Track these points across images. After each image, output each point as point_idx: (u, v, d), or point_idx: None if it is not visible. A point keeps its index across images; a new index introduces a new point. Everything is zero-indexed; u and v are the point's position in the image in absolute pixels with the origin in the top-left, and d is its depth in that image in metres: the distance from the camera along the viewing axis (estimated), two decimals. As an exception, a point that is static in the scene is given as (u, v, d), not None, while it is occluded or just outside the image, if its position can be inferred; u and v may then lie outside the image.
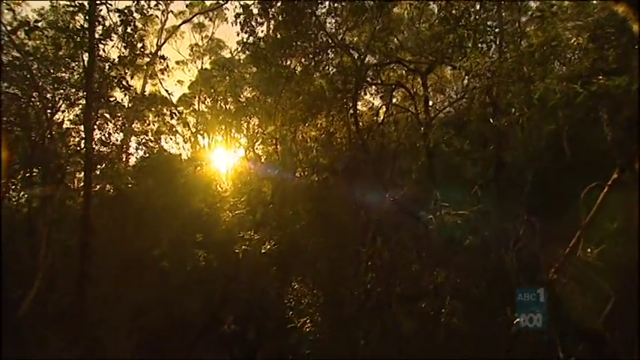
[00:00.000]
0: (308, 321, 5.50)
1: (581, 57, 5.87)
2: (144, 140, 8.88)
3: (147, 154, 9.07)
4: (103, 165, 8.66)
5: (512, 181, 6.53)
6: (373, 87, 9.27)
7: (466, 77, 8.71)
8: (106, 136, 8.12)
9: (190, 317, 7.96)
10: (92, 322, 6.73)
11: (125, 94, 7.84)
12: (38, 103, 7.88)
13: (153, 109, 9.24)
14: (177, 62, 13.36)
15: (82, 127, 8.04)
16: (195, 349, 8.18)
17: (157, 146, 9.46)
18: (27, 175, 8.28)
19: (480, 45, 6.62)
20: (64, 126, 8.60)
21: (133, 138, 9.38)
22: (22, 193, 8.45)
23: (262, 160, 8.89)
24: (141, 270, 7.87)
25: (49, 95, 8.09)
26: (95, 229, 7.23)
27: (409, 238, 5.18)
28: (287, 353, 7.40)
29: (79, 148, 8.04)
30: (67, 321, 6.43)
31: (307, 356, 6.73)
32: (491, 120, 6.00)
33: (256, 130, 9.46)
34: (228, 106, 10.45)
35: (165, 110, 9.47)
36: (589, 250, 3.77)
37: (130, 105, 8.29)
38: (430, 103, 8.89)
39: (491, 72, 6.50)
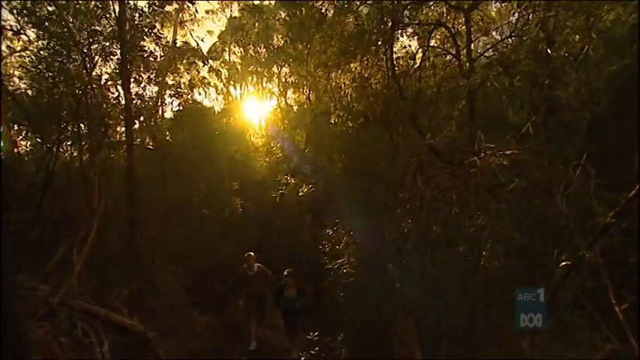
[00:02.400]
0: (344, 262, 5.68)
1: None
2: (179, 91, 8.99)
3: (181, 107, 9.27)
4: (141, 118, 8.96)
5: (565, 124, 6.00)
6: (410, 28, 8.63)
7: (517, 12, 7.85)
8: (142, 88, 8.29)
9: (230, 261, 8.49)
10: (144, 263, 7.33)
11: (157, 44, 7.84)
12: (77, 58, 8.05)
13: (184, 60, 9.24)
14: (207, 12, 13.03)
15: (119, 82, 8.21)
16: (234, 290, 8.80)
17: (190, 98, 9.57)
18: (74, 129, 8.69)
19: (537, -30, 5.82)
20: (102, 80, 8.86)
21: (167, 92, 9.54)
22: (73, 146, 8.97)
23: (295, 109, 8.78)
24: (183, 216, 8.38)
25: (85, 49, 8.24)
26: (139, 178, 7.65)
27: (450, 182, 5.01)
28: (323, 296, 7.79)
29: (117, 102, 8.29)
30: (123, 261, 7.06)
31: (341, 299, 7.06)
32: (545, 55, 5.37)
33: (288, 79, 9.26)
34: (259, 53, 10.21)
35: (196, 61, 9.45)
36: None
37: (162, 56, 8.31)
38: (472, 46, 8.20)
39: (549, 3, 5.76)
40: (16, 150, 9.26)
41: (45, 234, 7.02)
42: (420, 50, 8.22)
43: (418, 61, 7.85)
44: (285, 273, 6.33)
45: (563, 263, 3.66)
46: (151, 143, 9.12)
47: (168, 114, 10.25)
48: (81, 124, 8.47)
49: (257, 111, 11.40)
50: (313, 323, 6.69)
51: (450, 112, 6.77)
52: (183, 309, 7.42)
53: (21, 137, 9.10)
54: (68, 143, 8.73)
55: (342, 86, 7.51)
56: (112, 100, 8.46)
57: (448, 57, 7.97)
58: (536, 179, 4.47)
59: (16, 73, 9.28)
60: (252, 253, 6.86)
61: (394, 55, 7.48)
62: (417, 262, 4.93)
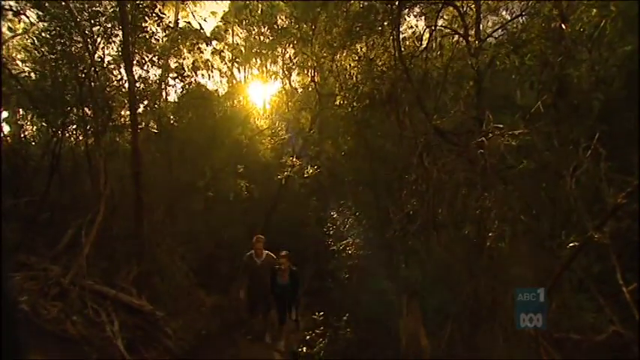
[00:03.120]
0: (349, 244, 5.71)
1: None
2: (183, 74, 8.88)
3: (185, 90, 9.19)
4: (145, 102, 8.90)
5: (575, 106, 5.86)
6: (417, 8, 8.39)
7: (529, -11, 7.56)
8: (145, 71, 8.20)
9: (236, 243, 8.58)
10: (150, 245, 7.42)
11: (159, 25, 7.70)
12: (79, 40, 7.94)
13: (187, 42, 9.10)
14: (209, -8, 12.67)
15: (122, 64, 8.10)
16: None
17: (194, 81, 9.48)
18: (79, 113, 8.66)
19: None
20: (105, 63, 8.77)
21: (171, 74, 9.44)
22: (78, 130, 8.96)
23: (299, 91, 8.67)
24: (188, 199, 8.44)
25: (86, 31, 8.11)
26: (144, 161, 7.67)
27: (457, 163, 4.95)
28: (326, 278, 7.89)
29: (120, 85, 8.22)
30: (130, 242, 7.16)
31: (346, 280, 7.14)
32: (558, 32, 5.19)
33: (292, 61, 9.11)
34: (263, 34, 10.02)
35: (199, 42, 9.30)
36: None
37: (164, 37, 8.18)
38: (480, 26, 7.96)
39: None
40: (22, 134, 9.29)
41: (54, 217, 7.12)
42: (427, 31, 8.01)
43: (425, 42, 7.65)
44: (281, 253, 6.18)
45: (571, 245, 3.62)
46: (155, 126, 9.10)
47: (172, 97, 10.21)
48: (85, 108, 8.44)
49: (261, 93, 11.37)
50: (318, 304, 6.79)
51: (457, 92, 6.62)
52: (190, 290, 7.56)
53: (27, 121, 9.11)
54: (73, 127, 8.72)
55: (348, 67, 7.36)
56: (115, 82, 8.40)
57: (456, 37, 7.76)
58: (545, 160, 4.39)
59: (19, 56, 9.22)
60: (262, 236, 6.45)
61: (401, 36, 7.30)
62: (423, 243, 4.93)
